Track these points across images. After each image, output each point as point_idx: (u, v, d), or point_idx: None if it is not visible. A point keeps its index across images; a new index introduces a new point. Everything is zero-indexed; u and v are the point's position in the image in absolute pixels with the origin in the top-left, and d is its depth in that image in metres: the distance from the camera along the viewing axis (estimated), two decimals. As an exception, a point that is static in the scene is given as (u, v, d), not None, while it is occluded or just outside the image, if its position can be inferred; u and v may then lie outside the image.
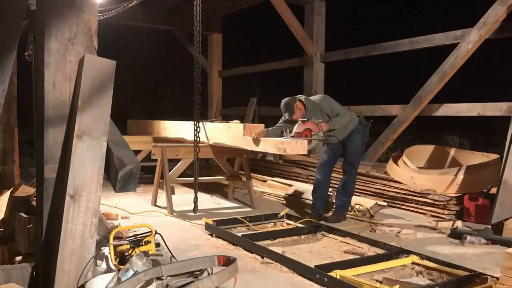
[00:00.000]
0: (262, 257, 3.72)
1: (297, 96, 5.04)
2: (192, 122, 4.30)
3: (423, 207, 5.41)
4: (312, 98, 5.13)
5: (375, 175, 6.21)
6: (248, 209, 5.75)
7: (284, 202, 6.04)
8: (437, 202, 5.28)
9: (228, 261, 2.73)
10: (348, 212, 5.23)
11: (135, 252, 2.78)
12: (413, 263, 3.58)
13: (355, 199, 5.64)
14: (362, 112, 8.42)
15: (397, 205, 5.65)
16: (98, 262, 2.70)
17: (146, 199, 6.19)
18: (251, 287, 3.15)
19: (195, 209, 4.35)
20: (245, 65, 10.67)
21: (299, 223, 4.80)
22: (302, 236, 4.47)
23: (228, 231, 4.43)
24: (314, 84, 8.21)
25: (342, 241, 4.24)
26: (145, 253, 2.78)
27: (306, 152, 4.48)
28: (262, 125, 4.89)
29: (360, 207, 5.32)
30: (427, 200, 5.38)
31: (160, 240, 3.28)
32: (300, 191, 5.90)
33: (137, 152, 6.84)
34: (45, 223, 2.62)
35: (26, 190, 3.74)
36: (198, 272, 2.76)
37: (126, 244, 2.87)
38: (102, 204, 3.67)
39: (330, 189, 5.37)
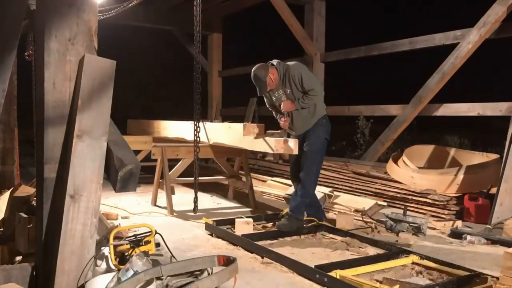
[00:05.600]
0: (262, 257, 3.72)
1: (270, 62, 4.53)
2: (192, 122, 4.30)
3: (423, 207, 5.41)
4: (287, 63, 4.54)
5: (375, 175, 6.21)
6: (248, 209, 5.75)
7: (284, 202, 6.04)
8: (437, 202, 5.28)
9: (228, 261, 2.73)
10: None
11: (135, 252, 2.78)
12: (413, 263, 3.58)
13: (355, 200, 5.65)
14: (362, 112, 8.45)
15: (397, 205, 5.65)
16: (98, 262, 2.70)
17: (146, 199, 6.19)
18: (251, 287, 3.15)
19: (195, 209, 4.35)
20: (245, 65, 10.67)
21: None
22: (302, 236, 4.46)
23: (228, 231, 4.43)
24: (314, 84, 8.19)
25: (342, 241, 4.24)
26: (145, 253, 2.78)
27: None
28: (262, 125, 4.89)
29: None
30: (427, 200, 5.37)
31: (160, 240, 3.27)
32: (300, 191, 5.89)
33: (137, 152, 6.84)
34: (45, 223, 2.62)
35: (26, 190, 3.74)
36: (198, 272, 2.76)
37: (126, 244, 2.87)
38: (102, 204, 3.66)
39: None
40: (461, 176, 5.31)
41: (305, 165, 4.50)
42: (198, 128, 4.22)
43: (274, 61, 4.55)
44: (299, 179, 4.57)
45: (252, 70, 4.51)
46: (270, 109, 4.89)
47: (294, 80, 4.43)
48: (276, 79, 4.47)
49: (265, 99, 4.81)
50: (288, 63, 4.56)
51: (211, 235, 4.48)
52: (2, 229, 3.59)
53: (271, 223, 4.90)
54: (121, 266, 2.63)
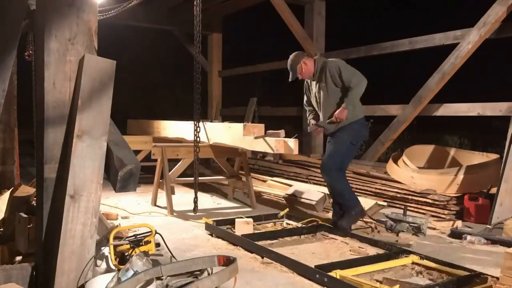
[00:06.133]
0: (262, 257, 3.72)
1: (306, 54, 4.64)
2: (192, 122, 4.30)
3: (423, 207, 5.41)
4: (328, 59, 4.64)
5: (375, 175, 6.21)
6: (248, 209, 5.75)
7: (284, 202, 6.04)
8: (437, 202, 5.28)
9: (228, 261, 2.73)
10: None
11: (135, 252, 2.78)
12: (413, 263, 3.58)
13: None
14: (362, 112, 8.42)
15: (397, 205, 5.65)
16: (98, 262, 2.70)
17: (146, 199, 6.19)
18: (251, 287, 3.15)
19: (195, 209, 4.36)
20: (245, 65, 10.67)
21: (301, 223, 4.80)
22: (302, 236, 4.47)
23: (228, 231, 4.43)
24: (314, 84, 8.19)
25: (342, 241, 4.24)
26: (145, 253, 2.78)
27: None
28: (262, 125, 4.90)
29: None
30: (427, 200, 5.37)
31: (160, 240, 3.27)
32: (300, 191, 5.89)
33: (137, 152, 6.84)
34: (45, 223, 2.62)
35: (26, 190, 3.74)
36: (198, 272, 2.76)
37: (126, 244, 2.88)
38: (102, 204, 3.67)
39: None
40: (461, 176, 5.31)
41: (326, 171, 4.58)
42: (198, 128, 4.22)
43: (317, 55, 4.63)
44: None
45: (291, 56, 4.60)
46: (306, 106, 4.86)
47: (331, 72, 4.42)
48: (308, 70, 4.52)
49: (305, 95, 4.84)
50: (330, 59, 4.62)
51: (211, 235, 4.48)
52: (2, 229, 3.59)
53: (271, 223, 4.91)
54: (121, 266, 2.63)
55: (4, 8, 3.10)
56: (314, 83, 4.64)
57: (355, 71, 4.47)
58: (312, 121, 4.74)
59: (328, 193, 4.97)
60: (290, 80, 4.65)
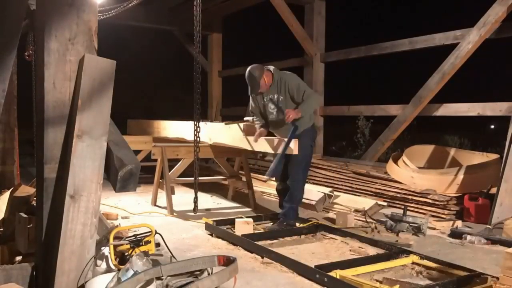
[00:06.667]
0: (262, 257, 3.72)
1: (266, 66, 4.65)
2: (192, 122, 4.30)
3: (423, 207, 5.41)
4: (283, 71, 4.70)
5: (375, 175, 6.21)
6: (248, 209, 5.75)
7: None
8: (437, 202, 5.28)
9: (228, 261, 2.73)
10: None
11: (135, 252, 2.78)
12: (413, 263, 3.58)
13: (355, 200, 5.66)
14: (362, 112, 8.44)
15: (397, 205, 5.65)
16: (98, 262, 2.70)
17: (146, 199, 6.19)
18: (251, 287, 3.15)
19: (195, 209, 4.35)
20: (245, 65, 10.66)
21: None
22: (302, 236, 4.47)
23: (228, 231, 4.43)
24: (314, 84, 8.20)
25: (342, 241, 4.24)
26: (145, 253, 2.78)
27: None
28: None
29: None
30: (427, 200, 5.37)
31: (160, 240, 3.27)
32: (300, 191, 5.88)
33: (137, 152, 6.84)
34: (45, 223, 2.62)
35: (26, 190, 3.74)
36: (198, 272, 2.76)
37: (126, 244, 2.87)
38: (102, 204, 3.66)
39: None
40: (461, 176, 5.31)
41: (292, 172, 4.58)
42: (198, 128, 4.22)
43: (271, 67, 4.65)
44: (286, 185, 4.65)
45: (248, 69, 4.62)
46: (252, 113, 4.87)
47: (290, 88, 4.50)
48: (269, 83, 4.57)
49: (251, 102, 4.83)
50: (285, 72, 4.67)
51: (211, 235, 4.48)
52: (2, 229, 3.59)
53: (271, 223, 4.90)
54: (121, 266, 2.63)
55: (4, 8, 3.10)
56: (264, 94, 4.65)
57: (313, 93, 4.60)
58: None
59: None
60: (249, 94, 4.71)
